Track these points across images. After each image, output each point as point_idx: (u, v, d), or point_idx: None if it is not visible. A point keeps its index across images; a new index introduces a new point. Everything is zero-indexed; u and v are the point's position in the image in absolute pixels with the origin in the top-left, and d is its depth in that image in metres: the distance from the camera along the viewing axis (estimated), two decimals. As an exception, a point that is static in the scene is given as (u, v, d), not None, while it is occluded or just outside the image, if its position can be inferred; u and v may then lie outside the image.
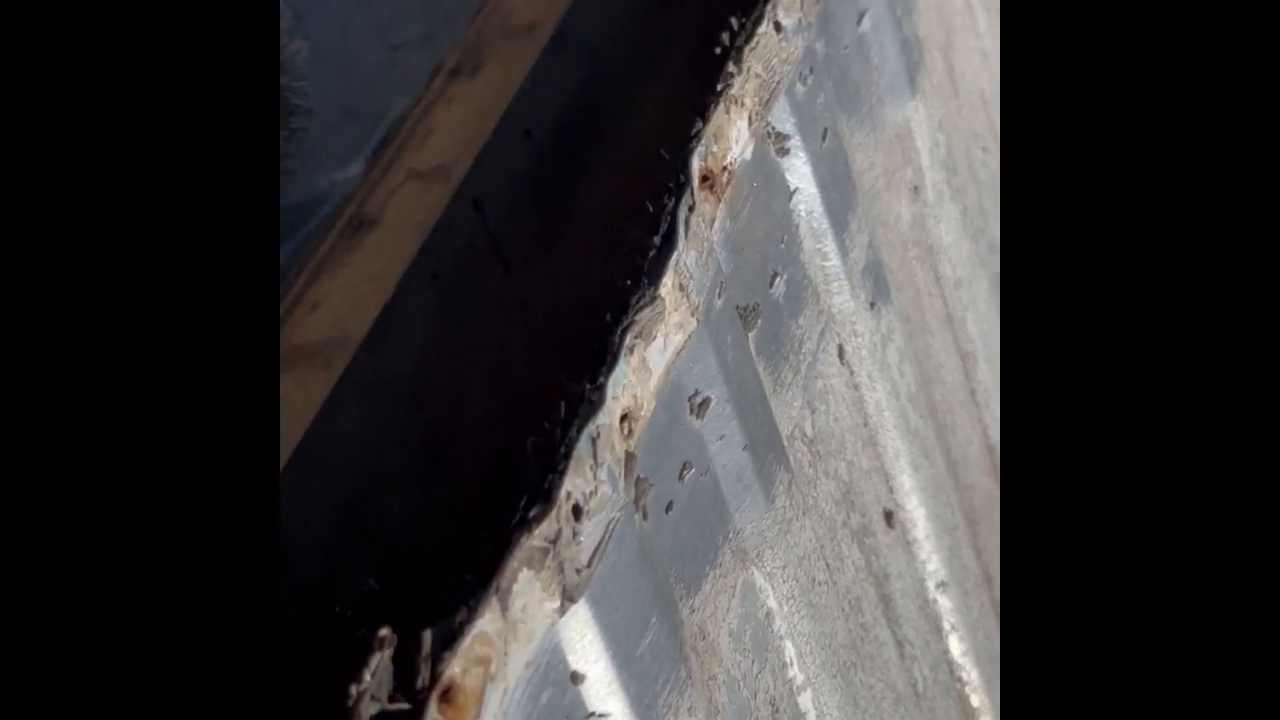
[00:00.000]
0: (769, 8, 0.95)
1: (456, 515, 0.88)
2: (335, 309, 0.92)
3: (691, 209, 0.83)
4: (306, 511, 0.83)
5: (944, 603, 1.17)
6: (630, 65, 1.12)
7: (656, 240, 0.81)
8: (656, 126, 1.10)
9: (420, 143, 1.03)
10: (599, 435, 0.71)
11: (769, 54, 0.94)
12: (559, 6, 1.13)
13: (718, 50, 0.92)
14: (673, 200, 0.83)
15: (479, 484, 0.89)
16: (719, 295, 0.85)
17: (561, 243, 1.01)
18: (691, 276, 0.81)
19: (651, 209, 0.87)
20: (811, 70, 0.99)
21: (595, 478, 0.71)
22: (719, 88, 0.89)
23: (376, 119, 1.44)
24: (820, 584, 0.95)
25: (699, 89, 1.06)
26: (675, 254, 0.80)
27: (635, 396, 0.76)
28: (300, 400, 0.85)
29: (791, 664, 0.89)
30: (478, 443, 0.89)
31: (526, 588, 0.66)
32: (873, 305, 1.06)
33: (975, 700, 1.17)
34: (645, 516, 0.76)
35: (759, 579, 0.87)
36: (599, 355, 0.75)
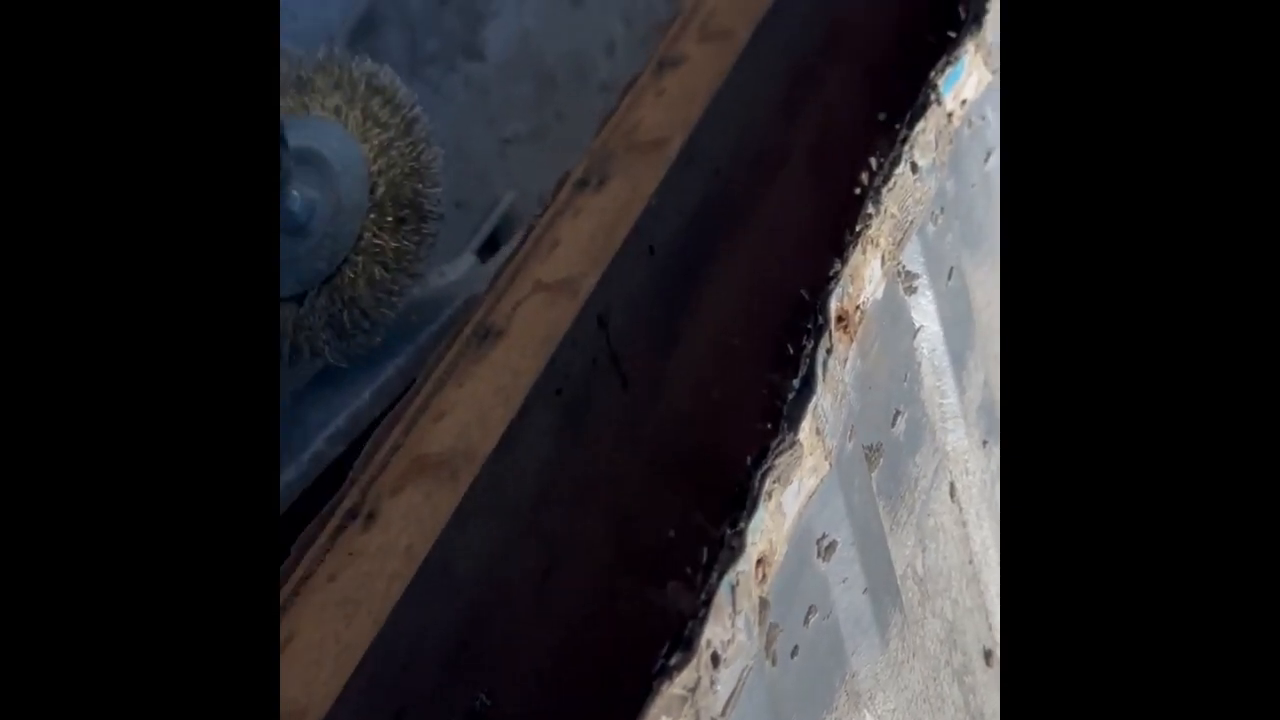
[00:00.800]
0: (906, 149, 0.96)
1: (563, 639, 0.89)
2: (461, 420, 0.93)
3: (829, 352, 0.83)
4: (428, 623, 0.84)
5: (1032, 742, 1.16)
6: (747, 185, 1.14)
7: (796, 383, 0.81)
8: (773, 249, 1.11)
9: (547, 254, 1.04)
10: (738, 583, 0.72)
11: (905, 194, 0.95)
12: (686, 123, 1.14)
13: (856, 190, 0.93)
14: (811, 342, 0.83)
15: (585, 610, 0.89)
16: (850, 437, 0.85)
17: (674, 362, 1.03)
18: (827, 420, 0.82)
19: (763, 337, 0.88)
20: (942, 210, 1.00)
21: (733, 626, 0.71)
22: (857, 228, 0.90)
23: (485, 211, 1.47)
24: (923, 726, 0.94)
25: (822, 218, 1.08)
26: (814, 398, 0.80)
27: (771, 542, 0.76)
28: (427, 513, 0.86)
29: (894, 808, 0.89)
30: (586, 568, 0.90)
31: (666, 736, 0.66)
32: (984, 443, 1.06)
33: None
34: (774, 662, 0.76)
35: (869, 722, 0.87)
36: (738, 500, 0.76)
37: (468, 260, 1.34)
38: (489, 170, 1.48)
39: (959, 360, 1.02)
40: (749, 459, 0.77)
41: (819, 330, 0.84)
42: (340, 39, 1.30)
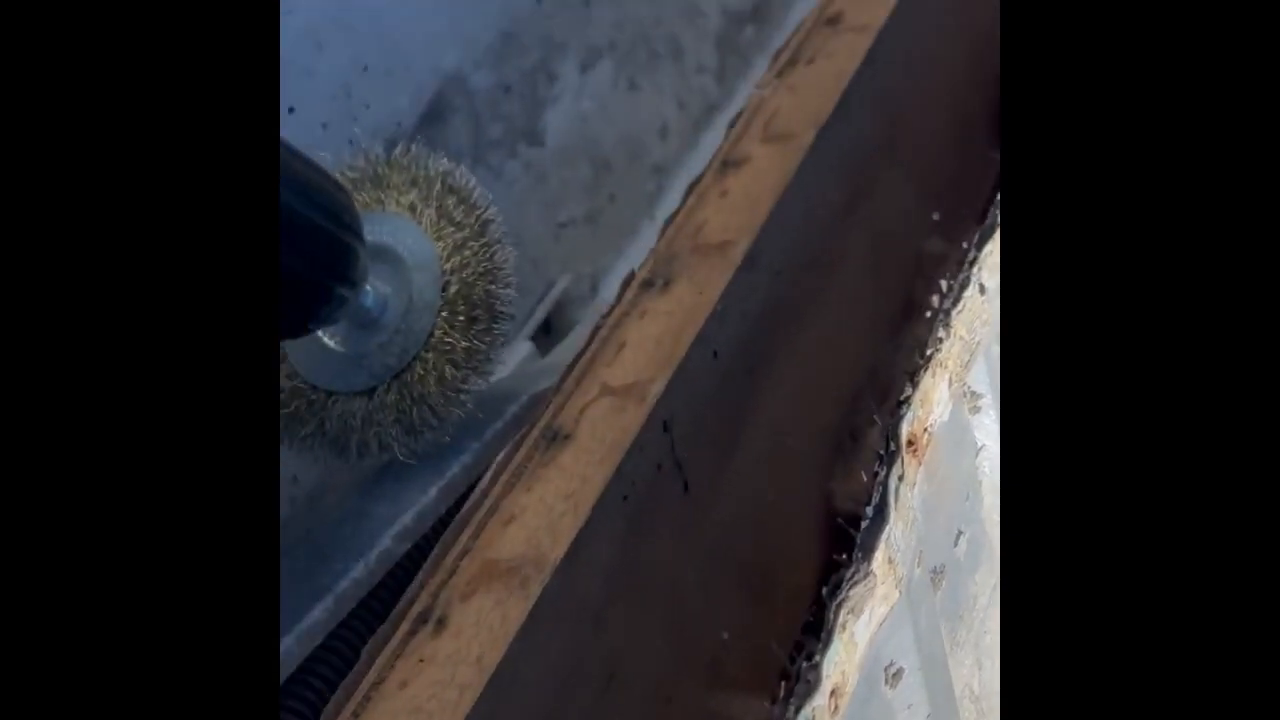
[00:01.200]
0: (975, 270, 0.98)
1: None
2: (530, 526, 0.94)
3: (901, 479, 0.85)
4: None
5: None
6: (810, 289, 1.16)
7: (869, 511, 0.83)
8: (832, 354, 1.13)
9: (613, 357, 1.06)
10: (814, 716, 0.73)
11: (973, 316, 0.96)
12: (750, 226, 1.16)
13: (927, 313, 0.94)
14: (884, 470, 0.85)
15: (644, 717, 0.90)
16: (918, 564, 0.86)
17: (735, 466, 1.04)
18: (899, 549, 0.83)
19: (822, 442, 0.88)
20: (1007, 330, 1.01)
21: (808, 761, 0.72)
22: (928, 352, 0.92)
23: (540, 296, 1.49)
24: (976, 846, 0.95)
25: (881, 324, 1.09)
26: (887, 527, 0.82)
27: (843, 673, 0.77)
28: (497, 620, 0.87)
29: None
30: (645, 673, 0.91)
31: None
32: (1040, 558, 1.07)
33: None
34: (843, 794, 0.77)
35: (927, 845, 0.87)
36: (813, 629, 0.77)
37: (524, 348, 1.35)
38: (544, 254, 1.50)
39: (1018, 477, 1.03)
40: (824, 589, 0.78)
41: (891, 456, 0.85)
42: (409, 127, 1.33)
